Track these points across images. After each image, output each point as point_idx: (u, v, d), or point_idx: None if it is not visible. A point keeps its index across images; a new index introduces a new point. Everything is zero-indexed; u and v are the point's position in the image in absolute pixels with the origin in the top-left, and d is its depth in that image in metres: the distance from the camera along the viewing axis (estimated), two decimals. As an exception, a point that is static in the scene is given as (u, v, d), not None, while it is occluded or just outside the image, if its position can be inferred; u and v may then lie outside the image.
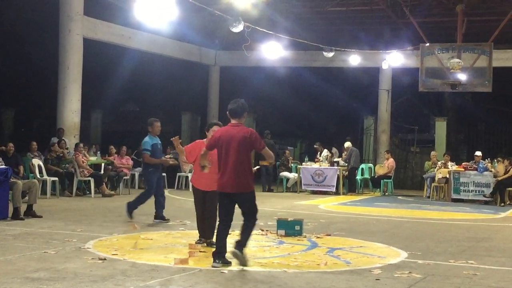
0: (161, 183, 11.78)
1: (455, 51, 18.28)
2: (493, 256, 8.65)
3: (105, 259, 7.45)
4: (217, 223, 7.54)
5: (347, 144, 19.78)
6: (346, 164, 19.32)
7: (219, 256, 7.23)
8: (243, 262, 7.13)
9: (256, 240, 9.55)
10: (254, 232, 7.55)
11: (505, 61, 21.01)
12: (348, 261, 7.92)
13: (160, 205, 11.30)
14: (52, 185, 15.39)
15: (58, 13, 17.37)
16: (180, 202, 15.36)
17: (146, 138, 11.33)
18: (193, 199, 9.11)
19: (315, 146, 20.89)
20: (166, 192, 17.55)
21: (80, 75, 17.52)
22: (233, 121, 7.41)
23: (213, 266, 7.17)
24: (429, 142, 24.22)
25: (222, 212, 7.40)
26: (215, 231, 7.57)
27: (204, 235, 8.79)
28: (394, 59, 21.46)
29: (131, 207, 11.22)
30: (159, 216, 11.26)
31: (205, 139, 8.81)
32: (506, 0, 18.39)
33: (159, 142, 11.42)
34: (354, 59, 21.48)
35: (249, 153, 7.35)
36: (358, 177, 20.09)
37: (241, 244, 7.18)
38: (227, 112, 7.47)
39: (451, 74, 18.05)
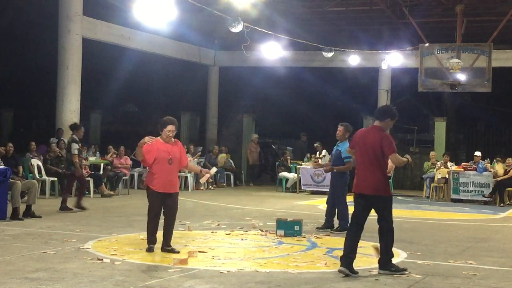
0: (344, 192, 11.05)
1: (454, 51, 18.25)
2: (492, 256, 8.65)
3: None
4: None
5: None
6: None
7: (348, 262, 7.05)
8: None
9: (255, 240, 9.56)
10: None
11: (504, 61, 21.00)
12: (347, 261, 7.91)
13: (331, 214, 10.87)
14: (51, 185, 15.37)
15: (58, 13, 17.34)
16: (179, 202, 15.33)
17: (345, 145, 10.72)
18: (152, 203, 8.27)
19: (315, 145, 20.88)
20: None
21: (80, 75, 17.49)
22: (375, 123, 7.51)
23: (340, 271, 7.01)
24: (429, 142, 24.21)
25: (356, 214, 7.39)
26: None
27: (166, 242, 8.19)
28: (393, 59, 21.45)
29: (343, 224, 10.61)
30: (325, 226, 10.84)
31: (159, 137, 8.21)
32: (505, 0, 18.38)
33: (337, 148, 10.89)
34: (354, 59, 21.47)
35: (381, 156, 7.30)
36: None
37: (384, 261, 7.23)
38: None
39: (450, 74, 18.03)
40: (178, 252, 8.05)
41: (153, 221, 8.20)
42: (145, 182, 8.34)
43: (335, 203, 10.87)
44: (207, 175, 8.80)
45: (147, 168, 8.41)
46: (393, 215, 7.51)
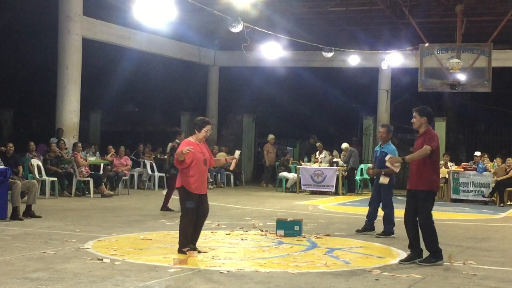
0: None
1: (454, 51, 18.25)
2: (492, 257, 8.65)
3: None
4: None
5: (345, 145, 19.77)
6: (345, 165, 19.30)
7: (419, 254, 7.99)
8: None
9: (255, 240, 9.56)
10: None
11: (504, 61, 21.00)
12: (347, 262, 7.92)
13: (373, 216, 10.77)
14: (51, 185, 15.37)
15: (57, 13, 17.35)
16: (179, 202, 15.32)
17: (391, 146, 10.68)
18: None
19: (317, 144, 20.87)
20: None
21: (79, 75, 17.50)
22: None
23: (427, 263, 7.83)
24: (429, 143, 24.14)
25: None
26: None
27: (194, 242, 8.26)
28: (393, 59, 21.46)
29: (389, 228, 10.42)
30: (366, 228, 10.66)
31: (191, 137, 8.28)
32: (506, 0, 18.39)
33: (381, 150, 10.70)
34: (354, 59, 21.47)
35: None
36: (357, 177, 20.06)
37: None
38: None
39: (450, 74, 18.02)
40: (200, 252, 8.12)
41: (192, 222, 8.14)
42: (178, 183, 8.19)
43: (383, 206, 10.63)
44: (234, 160, 8.83)
45: (181, 169, 8.14)
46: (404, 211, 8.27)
